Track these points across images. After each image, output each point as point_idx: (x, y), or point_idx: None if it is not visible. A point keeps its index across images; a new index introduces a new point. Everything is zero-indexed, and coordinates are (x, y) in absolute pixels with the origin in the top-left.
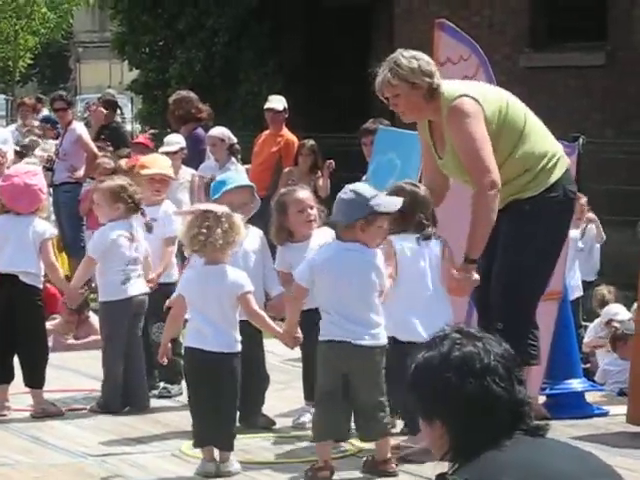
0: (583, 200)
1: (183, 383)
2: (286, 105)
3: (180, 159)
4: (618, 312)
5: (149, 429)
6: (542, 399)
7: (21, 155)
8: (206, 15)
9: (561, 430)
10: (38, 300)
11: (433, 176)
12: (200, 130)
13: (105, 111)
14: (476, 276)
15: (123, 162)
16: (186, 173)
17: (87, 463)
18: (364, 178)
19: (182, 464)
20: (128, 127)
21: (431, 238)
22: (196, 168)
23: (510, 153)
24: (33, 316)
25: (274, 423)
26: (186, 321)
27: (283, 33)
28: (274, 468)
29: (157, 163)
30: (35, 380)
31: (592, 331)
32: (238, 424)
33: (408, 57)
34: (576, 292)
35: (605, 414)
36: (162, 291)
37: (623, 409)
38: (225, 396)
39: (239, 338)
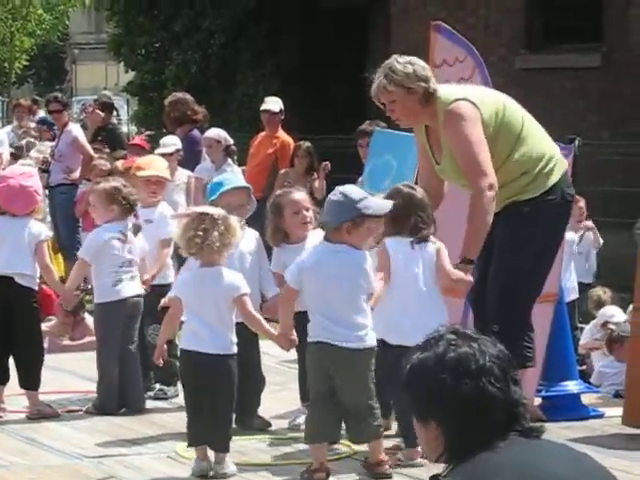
0: (582, 203)
1: (179, 385)
2: (282, 107)
3: (176, 161)
4: (614, 314)
5: (145, 431)
6: (538, 401)
7: (15, 157)
8: (202, 17)
9: (557, 432)
10: (34, 302)
11: (429, 180)
12: (196, 132)
13: (101, 113)
14: (470, 277)
15: (119, 164)
16: (182, 175)
17: (83, 465)
18: (360, 180)
19: (177, 466)
20: (124, 129)
21: (426, 241)
22: (192, 170)
23: (508, 155)
24: (29, 318)
25: (270, 425)
26: (182, 323)
27: (280, 34)
28: (270, 470)
29: (153, 165)
30: (30, 381)
31: (588, 333)
32: (234, 426)
33: (403, 62)
34: (572, 294)
35: (601, 416)
36: (158, 292)
37: (619, 411)
38: (221, 398)
39: (235, 340)
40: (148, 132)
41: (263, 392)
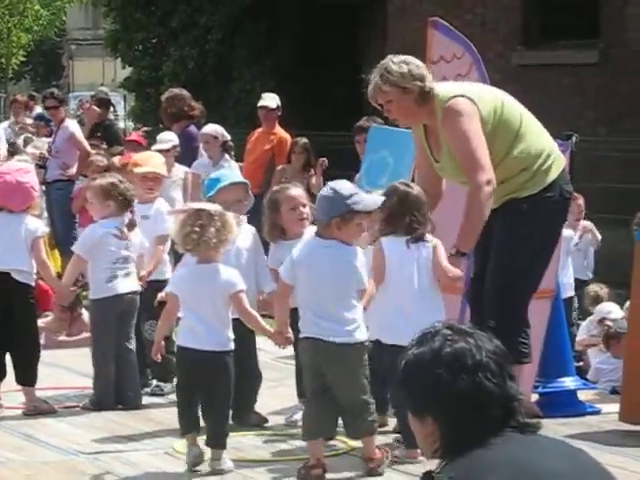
0: (580, 201)
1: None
2: (279, 103)
3: (173, 157)
4: (611, 310)
5: (141, 427)
6: (535, 397)
7: (11, 153)
8: (199, 13)
9: (554, 428)
10: (30, 298)
11: (427, 178)
12: (193, 127)
13: (98, 109)
14: (460, 271)
15: (116, 159)
16: (179, 171)
17: (79, 461)
18: (357, 176)
19: (174, 462)
20: (121, 125)
21: (422, 239)
22: (189, 166)
23: (507, 152)
24: (25, 314)
25: (267, 421)
26: (179, 319)
27: (277, 31)
28: (267, 466)
29: (150, 161)
30: (27, 378)
31: (585, 329)
32: (231, 422)
33: (398, 62)
34: (569, 290)
35: (597, 412)
36: (154, 288)
37: (615, 407)
38: (218, 394)
39: (232, 336)
40: (145, 128)
41: (260, 388)
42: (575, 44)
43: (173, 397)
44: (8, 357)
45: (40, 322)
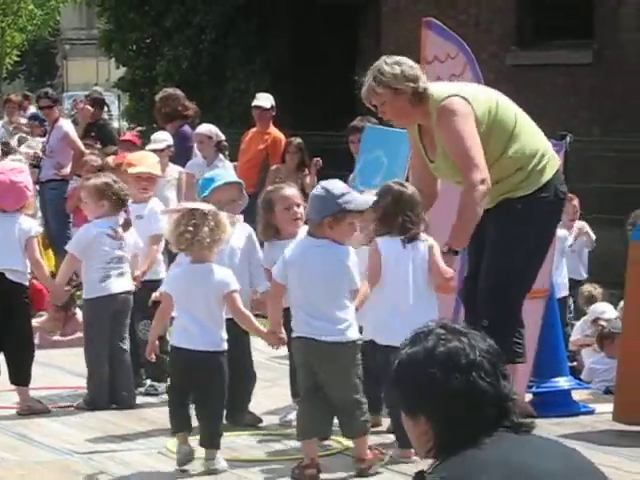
0: (575, 202)
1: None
2: (273, 103)
3: (167, 156)
4: (605, 310)
5: (135, 427)
6: (529, 397)
7: (5, 153)
8: (193, 12)
9: (547, 428)
10: (24, 298)
11: (422, 178)
12: (187, 127)
13: (91, 109)
14: (451, 270)
15: (110, 159)
16: (173, 170)
17: (73, 460)
18: (351, 176)
19: (168, 461)
20: (115, 124)
21: (416, 239)
22: (183, 165)
23: (502, 152)
24: (19, 314)
25: (261, 421)
26: (173, 319)
27: (270, 30)
28: (261, 466)
29: (144, 161)
30: (21, 377)
31: (579, 329)
32: (225, 422)
33: (391, 63)
34: (563, 290)
35: (591, 412)
36: (148, 288)
37: (609, 407)
38: (212, 395)
39: (225, 336)
40: (139, 128)
41: (254, 388)
42: (569, 44)
43: (167, 397)
44: (2, 357)
45: (34, 322)
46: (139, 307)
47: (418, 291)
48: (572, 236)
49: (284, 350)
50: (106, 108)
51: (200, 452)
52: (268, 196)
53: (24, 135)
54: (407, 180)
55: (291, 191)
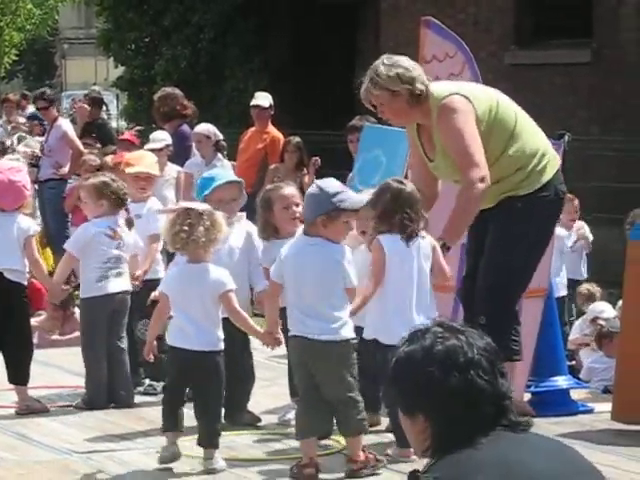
0: (576, 202)
1: None
2: (272, 102)
3: (166, 156)
4: (604, 310)
5: (134, 426)
6: (527, 396)
7: (2, 152)
8: (192, 11)
9: (546, 427)
10: (23, 297)
11: (421, 177)
12: (185, 127)
13: (88, 108)
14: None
15: (109, 159)
16: (172, 170)
17: (72, 460)
18: (350, 175)
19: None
20: (114, 124)
21: (416, 236)
22: (182, 165)
23: (502, 151)
24: (18, 313)
25: (259, 420)
26: (171, 318)
27: (269, 30)
28: (260, 465)
29: (142, 160)
30: (20, 377)
31: (577, 329)
32: (223, 421)
33: (388, 65)
34: (562, 290)
35: (590, 411)
36: (147, 287)
37: (608, 406)
38: (210, 394)
39: (222, 336)
40: (138, 127)
41: (253, 388)
42: (568, 44)
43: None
44: (0, 356)
45: (33, 321)
46: (137, 306)
47: (421, 290)
48: (572, 237)
49: (283, 349)
50: (105, 107)
51: (199, 451)
52: (267, 195)
53: (24, 134)
54: (406, 178)
55: (290, 190)
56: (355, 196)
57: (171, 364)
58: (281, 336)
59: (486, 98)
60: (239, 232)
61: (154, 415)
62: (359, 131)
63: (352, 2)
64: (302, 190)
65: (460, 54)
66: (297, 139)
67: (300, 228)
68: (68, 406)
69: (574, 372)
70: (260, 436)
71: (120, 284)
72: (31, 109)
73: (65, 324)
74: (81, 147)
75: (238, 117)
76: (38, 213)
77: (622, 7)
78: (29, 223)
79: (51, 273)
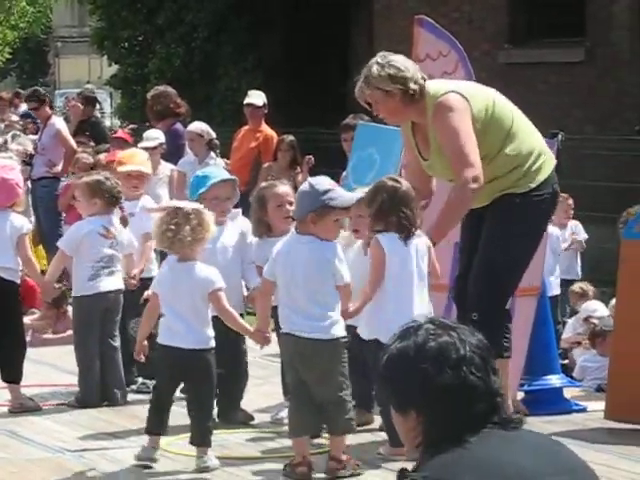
0: (570, 201)
1: None
2: (265, 100)
3: (159, 154)
4: (596, 309)
5: (127, 424)
6: (521, 395)
7: None
8: (185, 10)
9: (539, 426)
10: (16, 295)
11: (416, 175)
12: (179, 125)
13: (82, 106)
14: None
15: (102, 157)
16: (165, 168)
17: (65, 458)
18: (344, 174)
19: (160, 459)
20: (107, 122)
21: (413, 235)
22: (175, 163)
23: (499, 150)
24: (11, 311)
25: (252, 418)
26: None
27: (263, 28)
28: (253, 463)
29: (134, 158)
30: (13, 375)
31: (570, 327)
32: (217, 419)
33: (382, 64)
34: (555, 289)
35: (583, 410)
36: (141, 286)
37: (601, 405)
38: (202, 392)
39: (212, 334)
40: (131, 125)
41: (246, 386)
42: (562, 42)
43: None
44: None
45: (26, 319)
46: (130, 305)
47: (420, 289)
48: (567, 236)
49: (276, 348)
50: (98, 106)
51: (191, 450)
52: (261, 193)
53: (17, 133)
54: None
55: (284, 189)
56: (346, 194)
57: (161, 363)
58: (270, 334)
59: (482, 97)
60: (233, 230)
61: (147, 413)
62: (353, 129)
63: (346, 1)
64: (296, 189)
65: (454, 53)
66: (290, 138)
67: (293, 226)
68: (61, 404)
69: (567, 371)
70: (253, 434)
71: (113, 283)
72: (24, 107)
73: (58, 322)
74: (74, 145)
75: (232, 116)
76: (32, 211)
77: (615, 5)
78: (22, 221)
79: (44, 272)
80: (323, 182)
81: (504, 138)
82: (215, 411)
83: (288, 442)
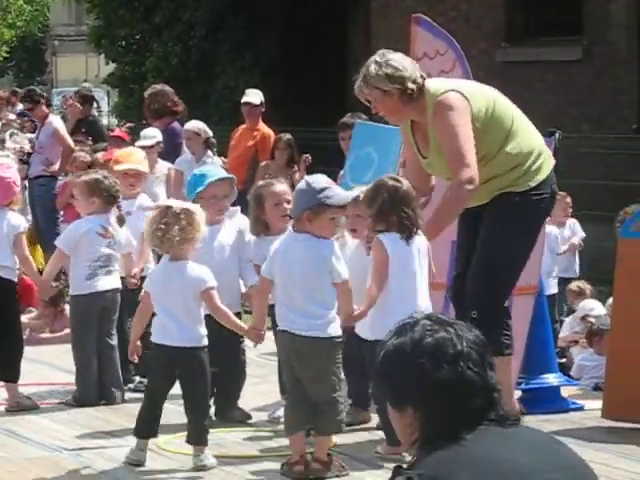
0: (568, 199)
1: None
2: (263, 99)
3: (156, 153)
4: (594, 307)
5: (124, 423)
6: (518, 394)
7: None
8: (183, 8)
9: (536, 424)
10: (13, 293)
11: (416, 174)
12: (176, 124)
13: (80, 106)
14: None
15: (99, 155)
16: (162, 167)
17: (62, 457)
18: (341, 172)
19: (158, 458)
20: (105, 121)
21: (414, 235)
22: (173, 162)
23: (499, 149)
24: (8, 310)
25: (250, 417)
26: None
27: (260, 27)
28: (250, 462)
29: (131, 157)
30: (10, 374)
31: (568, 326)
32: (214, 418)
33: (380, 63)
34: (553, 288)
35: (580, 409)
36: (139, 284)
37: (598, 404)
38: (196, 391)
39: (205, 333)
40: (129, 124)
41: (243, 385)
42: (559, 41)
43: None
44: None
45: (24, 318)
46: (128, 304)
47: (422, 289)
48: (566, 234)
49: (273, 347)
50: (95, 104)
51: (188, 449)
52: (258, 191)
53: (15, 131)
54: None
55: (281, 187)
56: (342, 192)
57: (155, 361)
58: (265, 332)
59: (483, 96)
60: (231, 229)
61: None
62: (351, 128)
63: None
64: (293, 187)
65: (451, 51)
66: (288, 136)
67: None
68: (58, 403)
69: (564, 369)
70: (250, 433)
71: (110, 282)
72: (21, 106)
73: (55, 321)
74: (72, 144)
75: (229, 114)
76: (29, 210)
77: (612, 4)
78: (19, 220)
79: (40, 270)
80: (320, 180)
81: (504, 137)
82: (212, 410)
83: (285, 441)
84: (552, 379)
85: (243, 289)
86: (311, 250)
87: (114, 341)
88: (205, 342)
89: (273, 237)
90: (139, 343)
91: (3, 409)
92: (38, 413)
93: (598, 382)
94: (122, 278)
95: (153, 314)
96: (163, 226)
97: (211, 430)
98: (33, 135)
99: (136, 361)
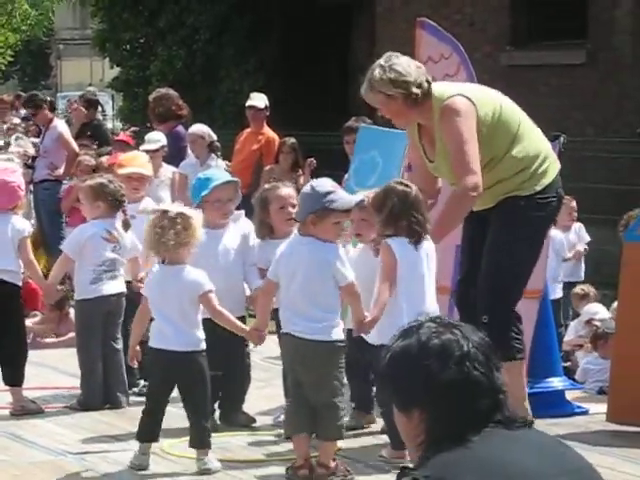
0: (573, 203)
1: None
2: (267, 103)
3: (161, 157)
4: (598, 311)
5: (129, 427)
6: None
7: None
8: (187, 12)
9: (541, 428)
10: (18, 298)
11: (422, 176)
12: (180, 127)
13: (85, 110)
14: None
15: (104, 159)
16: (167, 171)
17: (67, 461)
18: (346, 176)
19: (162, 462)
20: (109, 125)
21: (423, 239)
22: (177, 166)
23: (505, 152)
24: (13, 314)
25: (254, 421)
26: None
27: (264, 31)
28: (254, 466)
29: (134, 161)
30: (14, 378)
31: (572, 330)
32: (218, 422)
33: (384, 67)
34: (557, 292)
35: (585, 412)
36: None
37: (603, 407)
38: (196, 394)
39: (202, 336)
40: (133, 128)
41: (248, 389)
42: (563, 45)
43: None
44: None
45: (28, 322)
46: (133, 308)
47: (431, 293)
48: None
49: (277, 350)
50: (100, 108)
51: (192, 452)
52: (264, 195)
53: (20, 135)
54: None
55: (286, 191)
56: (346, 197)
57: (153, 366)
58: (266, 334)
59: (489, 100)
60: (235, 232)
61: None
62: (355, 132)
63: (348, 3)
64: (298, 191)
65: (455, 55)
66: (292, 140)
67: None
68: (63, 407)
69: (569, 373)
70: (255, 437)
71: (115, 286)
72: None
73: (60, 324)
74: (76, 148)
75: (233, 118)
76: (33, 214)
77: (617, 9)
78: (24, 224)
79: (44, 275)
80: (325, 184)
81: (511, 141)
82: (217, 414)
83: (290, 445)
84: (557, 383)
85: (247, 293)
86: (315, 254)
87: (119, 345)
88: (203, 346)
89: (278, 240)
90: (138, 348)
91: (8, 413)
92: (43, 417)
93: (603, 386)
94: (128, 282)
95: (151, 319)
96: (159, 230)
97: (216, 434)
98: (38, 139)
99: (135, 366)
